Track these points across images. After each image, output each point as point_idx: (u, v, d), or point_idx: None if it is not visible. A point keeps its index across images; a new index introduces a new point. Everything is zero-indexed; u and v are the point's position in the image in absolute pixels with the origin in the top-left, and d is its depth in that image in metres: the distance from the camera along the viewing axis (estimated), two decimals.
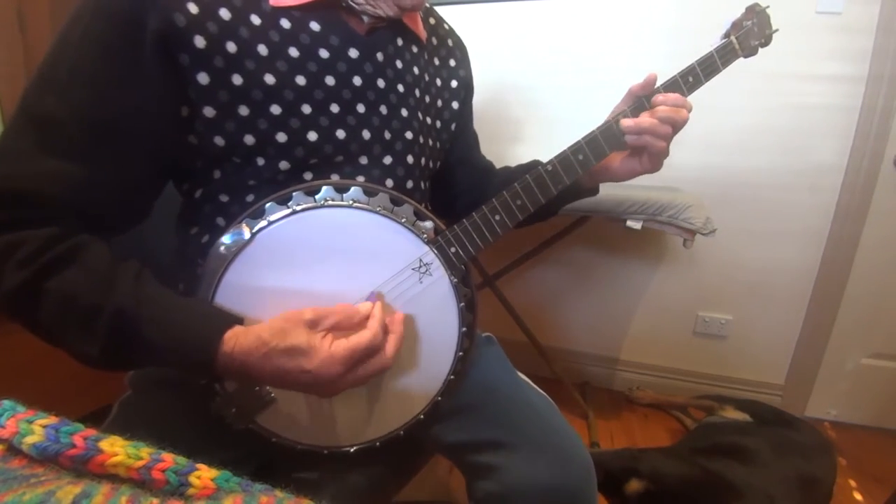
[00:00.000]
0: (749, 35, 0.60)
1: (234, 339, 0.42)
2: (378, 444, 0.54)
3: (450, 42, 0.67)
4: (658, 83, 0.58)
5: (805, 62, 1.28)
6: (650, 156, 0.58)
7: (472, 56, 0.70)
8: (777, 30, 0.62)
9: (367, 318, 0.47)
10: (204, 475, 0.23)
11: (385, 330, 0.47)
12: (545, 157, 0.59)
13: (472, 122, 0.76)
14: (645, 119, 0.56)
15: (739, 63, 0.61)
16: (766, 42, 0.62)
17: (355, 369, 0.44)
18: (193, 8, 0.43)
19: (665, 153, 0.58)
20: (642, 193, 1.11)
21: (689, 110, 0.57)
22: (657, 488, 0.91)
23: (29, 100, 0.41)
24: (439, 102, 0.64)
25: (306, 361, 0.42)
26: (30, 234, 0.39)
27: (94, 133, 0.42)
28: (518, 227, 0.60)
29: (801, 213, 1.38)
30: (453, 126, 0.67)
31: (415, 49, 0.59)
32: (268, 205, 0.47)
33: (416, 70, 0.59)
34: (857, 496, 1.18)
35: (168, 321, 0.41)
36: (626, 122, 0.56)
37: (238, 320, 0.44)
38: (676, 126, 0.56)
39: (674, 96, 0.56)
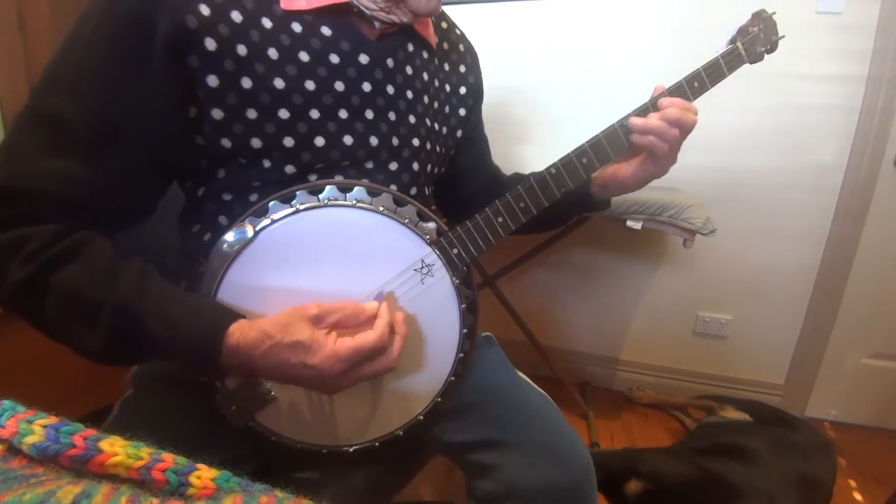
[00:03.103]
0: (755, 41, 0.60)
1: (239, 333, 0.42)
2: (377, 444, 0.54)
3: (461, 47, 0.66)
4: (664, 87, 0.57)
5: (805, 62, 1.27)
6: (654, 159, 0.58)
7: None
8: (784, 36, 0.61)
9: (373, 317, 0.46)
10: (204, 475, 0.23)
11: (392, 330, 0.47)
12: (548, 157, 0.59)
13: (483, 127, 0.76)
14: (653, 119, 0.56)
15: None
16: (772, 48, 0.62)
17: (358, 368, 0.44)
18: (205, 10, 0.43)
19: (671, 158, 0.58)
20: (642, 193, 1.09)
21: (696, 114, 0.57)
22: (657, 488, 0.91)
23: (36, 98, 0.42)
24: (447, 108, 0.64)
25: (309, 357, 0.42)
26: (33, 230, 0.40)
27: (100, 132, 0.42)
28: (522, 234, 0.60)
29: (801, 213, 1.38)
30: (459, 132, 0.67)
31: (425, 54, 0.59)
32: (271, 203, 0.47)
33: (425, 76, 0.59)
34: (857, 496, 1.18)
35: (172, 315, 0.41)
36: (635, 120, 0.56)
37: (241, 316, 0.44)
38: (684, 128, 0.56)
39: (680, 100, 0.56)
